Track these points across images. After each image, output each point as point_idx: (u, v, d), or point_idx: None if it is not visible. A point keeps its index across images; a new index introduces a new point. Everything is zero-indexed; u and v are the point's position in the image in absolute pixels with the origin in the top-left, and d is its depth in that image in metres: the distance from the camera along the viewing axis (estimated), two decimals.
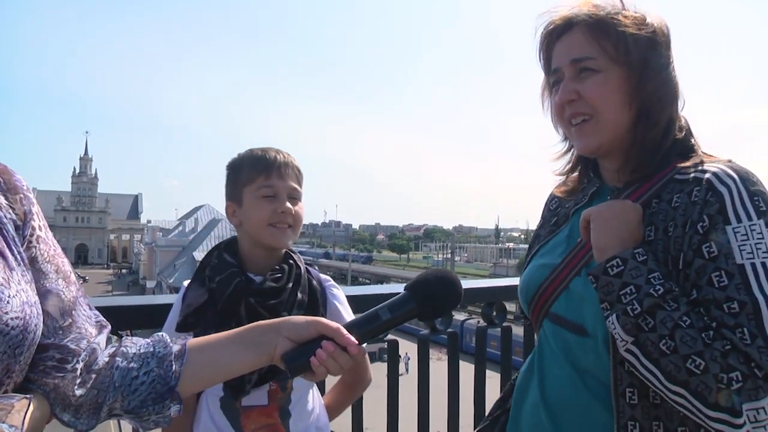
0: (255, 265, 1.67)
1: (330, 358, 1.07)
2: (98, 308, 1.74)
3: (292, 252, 1.72)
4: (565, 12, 1.28)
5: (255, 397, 1.61)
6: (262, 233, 1.64)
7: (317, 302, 1.66)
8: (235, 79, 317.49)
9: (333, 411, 1.85)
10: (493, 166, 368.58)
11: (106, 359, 1.05)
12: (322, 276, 1.75)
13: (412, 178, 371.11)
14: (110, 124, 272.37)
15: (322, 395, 1.85)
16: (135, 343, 1.10)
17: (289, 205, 1.64)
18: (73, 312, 1.06)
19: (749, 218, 1.07)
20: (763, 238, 1.05)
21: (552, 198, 1.52)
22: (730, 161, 1.19)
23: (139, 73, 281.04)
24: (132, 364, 1.05)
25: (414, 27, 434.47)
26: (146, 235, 79.61)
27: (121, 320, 1.89)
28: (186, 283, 1.73)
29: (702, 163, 1.19)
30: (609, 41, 1.22)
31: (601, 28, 1.23)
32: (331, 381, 1.85)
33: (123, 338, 1.12)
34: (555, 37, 1.30)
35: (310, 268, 1.74)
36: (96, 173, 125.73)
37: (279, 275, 1.63)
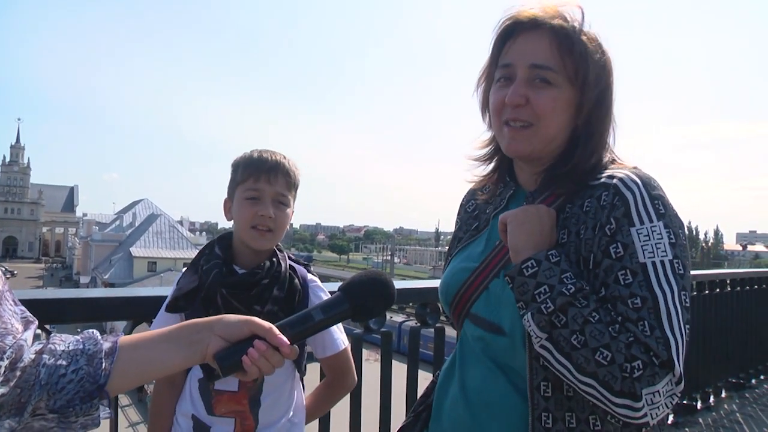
0: (243, 259, 1.74)
1: (262, 358, 1.06)
2: (22, 301, 1.71)
3: (279, 251, 1.77)
4: (533, 12, 1.29)
5: (227, 383, 1.67)
6: (245, 233, 1.71)
7: (294, 300, 1.70)
8: (179, 73, 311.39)
9: (312, 411, 1.86)
10: (435, 170, 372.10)
11: (32, 356, 0.99)
12: (309, 276, 1.79)
13: (354, 180, 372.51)
14: (46, 112, 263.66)
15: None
16: (64, 341, 1.04)
17: (271, 209, 1.68)
18: None
19: (651, 220, 1.16)
20: (662, 239, 1.15)
21: (468, 200, 1.58)
22: (635, 168, 1.27)
23: (80, 61, 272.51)
24: (60, 362, 1.00)
25: (359, 32, 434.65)
26: (81, 228, 77.13)
27: (47, 314, 1.85)
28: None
29: (611, 169, 1.27)
30: (571, 59, 1.27)
31: (566, 44, 1.27)
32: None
33: (51, 335, 1.07)
34: (517, 31, 1.31)
35: (297, 267, 1.78)
36: (28, 163, 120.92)
37: (258, 271, 1.69)
